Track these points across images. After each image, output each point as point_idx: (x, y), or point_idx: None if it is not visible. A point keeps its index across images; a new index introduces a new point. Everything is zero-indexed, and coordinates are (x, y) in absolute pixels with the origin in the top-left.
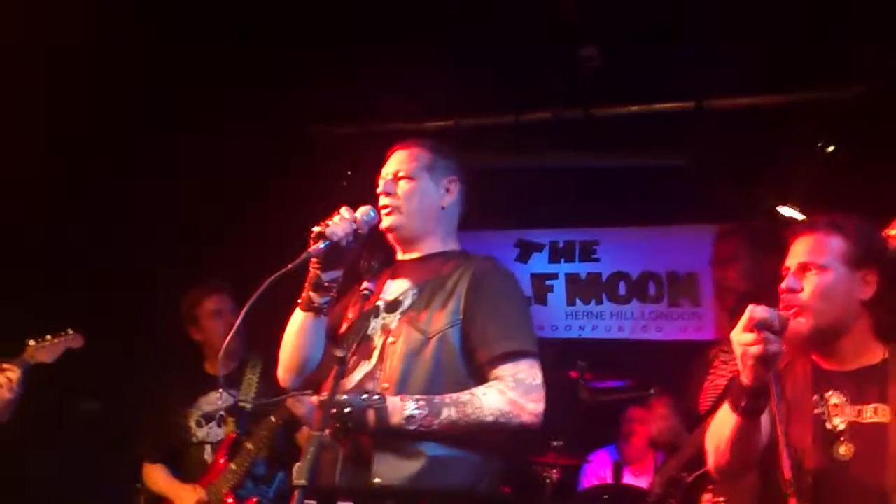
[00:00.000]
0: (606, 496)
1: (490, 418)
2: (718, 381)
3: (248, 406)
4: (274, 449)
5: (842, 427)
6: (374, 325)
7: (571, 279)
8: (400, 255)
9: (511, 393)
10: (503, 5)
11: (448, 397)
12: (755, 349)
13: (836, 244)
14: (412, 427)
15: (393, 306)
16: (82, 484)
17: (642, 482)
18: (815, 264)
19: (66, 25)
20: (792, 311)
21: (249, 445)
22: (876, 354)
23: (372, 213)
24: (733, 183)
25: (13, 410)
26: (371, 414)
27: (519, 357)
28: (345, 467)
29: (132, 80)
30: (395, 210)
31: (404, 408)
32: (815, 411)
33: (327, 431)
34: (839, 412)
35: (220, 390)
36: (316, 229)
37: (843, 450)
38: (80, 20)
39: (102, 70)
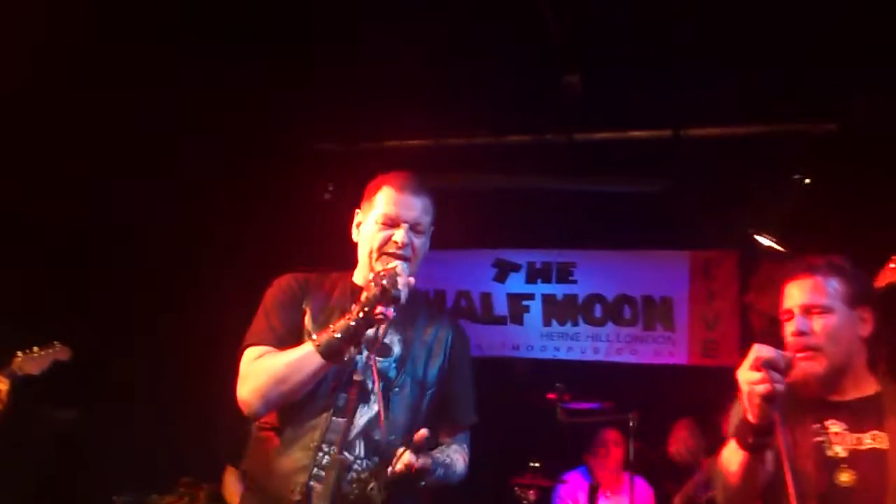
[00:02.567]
0: None
1: (452, 480)
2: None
3: None
4: None
5: (843, 454)
6: (361, 363)
7: (548, 300)
8: (358, 280)
9: (466, 459)
10: (490, 29)
11: (439, 457)
12: (761, 388)
13: (835, 285)
14: (420, 482)
15: (381, 350)
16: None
17: (617, 503)
18: (818, 306)
19: (61, 34)
20: (804, 353)
21: None
22: (871, 386)
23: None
24: (709, 210)
25: (2, 421)
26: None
27: (470, 429)
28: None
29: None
30: (406, 260)
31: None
32: (816, 439)
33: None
34: (840, 440)
35: None
36: (389, 293)
37: (845, 477)
38: (77, 32)
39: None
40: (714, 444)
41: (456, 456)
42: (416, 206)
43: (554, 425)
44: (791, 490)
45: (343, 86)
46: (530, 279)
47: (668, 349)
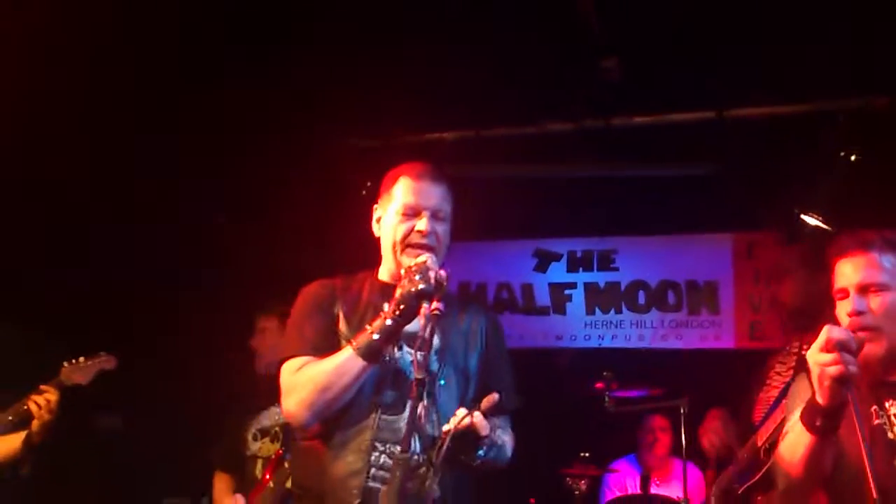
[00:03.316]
0: None
1: (502, 463)
2: (772, 393)
3: None
4: None
5: None
6: (403, 358)
7: (590, 288)
8: (384, 278)
9: (512, 445)
10: (525, 17)
11: (493, 435)
12: (833, 370)
13: (890, 261)
14: (479, 461)
15: (417, 341)
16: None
17: (667, 491)
18: (875, 284)
19: (66, 40)
20: (863, 333)
21: (286, 464)
22: None
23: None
24: (753, 192)
25: (52, 431)
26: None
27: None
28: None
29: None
30: (431, 249)
31: (486, 442)
32: (876, 422)
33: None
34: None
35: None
36: (421, 288)
37: None
38: (88, 34)
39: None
40: (746, 433)
41: (506, 438)
42: (436, 194)
43: (601, 414)
44: (869, 474)
45: (380, 79)
46: (571, 268)
47: (714, 333)
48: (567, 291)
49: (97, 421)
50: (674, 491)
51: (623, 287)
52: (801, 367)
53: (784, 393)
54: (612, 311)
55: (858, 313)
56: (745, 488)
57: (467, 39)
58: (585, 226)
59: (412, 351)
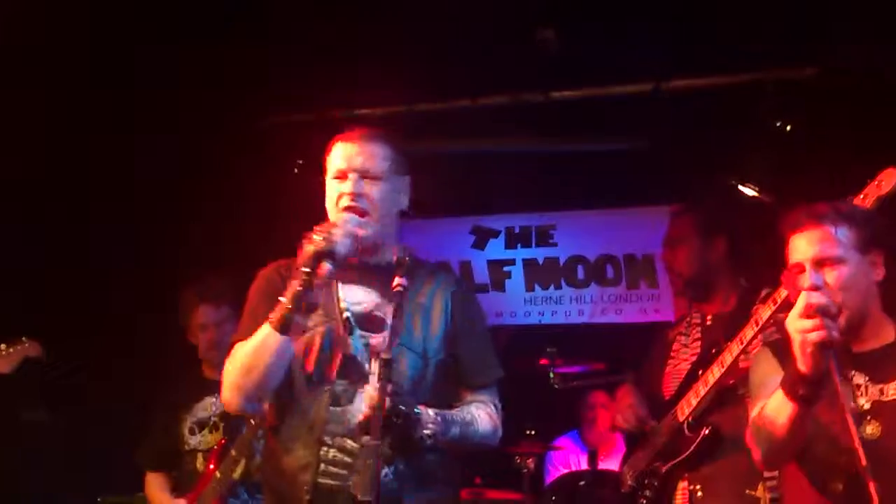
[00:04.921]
0: (583, 482)
1: (477, 439)
2: (681, 366)
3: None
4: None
5: (867, 406)
6: (354, 344)
7: (529, 264)
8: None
9: (496, 418)
10: None
11: (455, 415)
12: (815, 335)
13: (845, 233)
14: (430, 442)
15: (371, 323)
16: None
17: (613, 466)
18: (831, 258)
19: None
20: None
21: (233, 452)
22: (889, 333)
23: (357, 220)
24: (691, 164)
25: None
26: (413, 426)
27: (496, 384)
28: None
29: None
30: (363, 213)
31: (431, 422)
32: (838, 396)
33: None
34: (863, 392)
35: (215, 395)
36: (321, 246)
37: (871, 429)
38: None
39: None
40: (656, 409)
41: (478, 412)
42: (365, 152)
43: (545, 391)
44: (856, 438)
45: (307, 53)
46: (510, 244)
47: (654, 306)
48: (506, 268)
49: (22, 414)
50: (618, 465)
51: (562, 262)
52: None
53: (698, 365)
54: (552, 287)
55: (816, 287)
56: (670, 466)
57: (401, 12)
58: (523, 201)
59: (365, 334)
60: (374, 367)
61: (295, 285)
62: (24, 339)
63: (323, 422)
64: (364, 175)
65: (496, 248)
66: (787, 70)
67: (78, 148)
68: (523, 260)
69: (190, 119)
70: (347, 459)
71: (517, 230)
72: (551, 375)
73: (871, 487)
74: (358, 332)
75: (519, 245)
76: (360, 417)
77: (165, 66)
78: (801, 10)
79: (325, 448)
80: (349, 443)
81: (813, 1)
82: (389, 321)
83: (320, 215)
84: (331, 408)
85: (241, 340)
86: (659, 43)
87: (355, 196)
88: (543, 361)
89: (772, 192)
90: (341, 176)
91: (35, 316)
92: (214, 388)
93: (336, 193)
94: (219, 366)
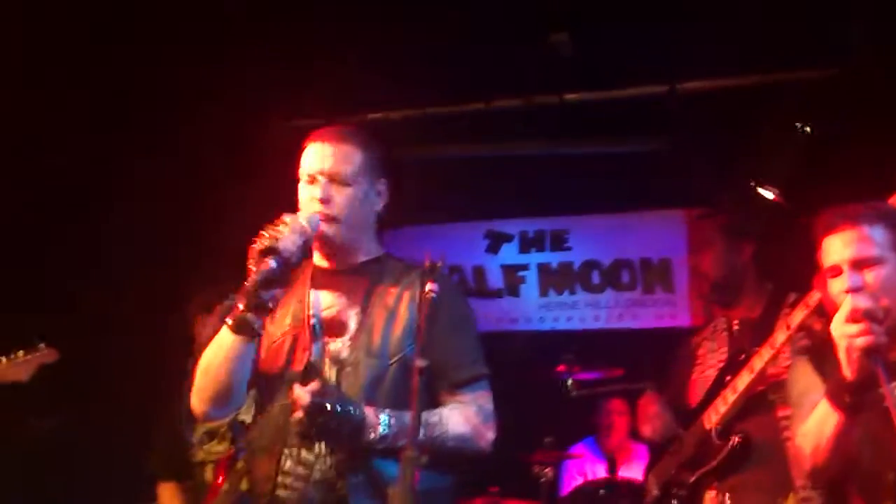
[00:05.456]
0: (602, 492)
1: (451, 443)
2: (708, 373)
3: (248, 420)
4: None
5: None
6: (316, 350)
7: (543, 269)
8: (320, 263)
9: (475, 419)
10: None
11: (423, 416)
12: (862, 340)
13: (881, 233)
14: (381, 445)
15: (335, 328)
16: None
17: (632, 474)
18: (869, 258)
19: None
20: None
21: (240, 464)
22: None
23: (317, 220)
24: (707, 167)
25: None
26: (347, 426)
27: (480, 381)
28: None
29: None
30: (331, 219)
31: (378, 423)
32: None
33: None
34: None
35: None
36: (264, 244)
37: None
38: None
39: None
40: (681, 417)
41: (450, 413)
42: (334, 155)
43: (562, 398)
44: None
45: (323, 57)
46: (524, 249)
47: (670, 311)
48: (520, 273)
49: (30, 423)
50: (637, 474)
51: (576, 267)
52: (801, 350)
53: (725, 372)
54: (567, 292)
55: (856, 289)
56: (699, 475)
57: (415, 14)
58: (537, 205)
59: (328, 339)
60: (331, 372)
61: (248, 286)
62: (41, 345)
63: (284, 431)
64: (333, 179)
65: (510, 253)
66: (808, 71)
67: (76, 150)
68: (538, 265)
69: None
70: (303, 471)
71: (531, 234)
72: (569, 383)
73: None
74: (321, 338)
75: (533, 249)
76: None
77: (166, 70)
78: (821, 10)
79: (282, 458)
80: (304, 454)
81: (833, 2)
82: (353, 325)
83: None
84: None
85: None
86: (674, 44)
87: (323, 202)
88: (561, 368)
89: (791, 195)
90: (311, 180)
91: (36, 318)
92: None
93: (307, 196)
94: None
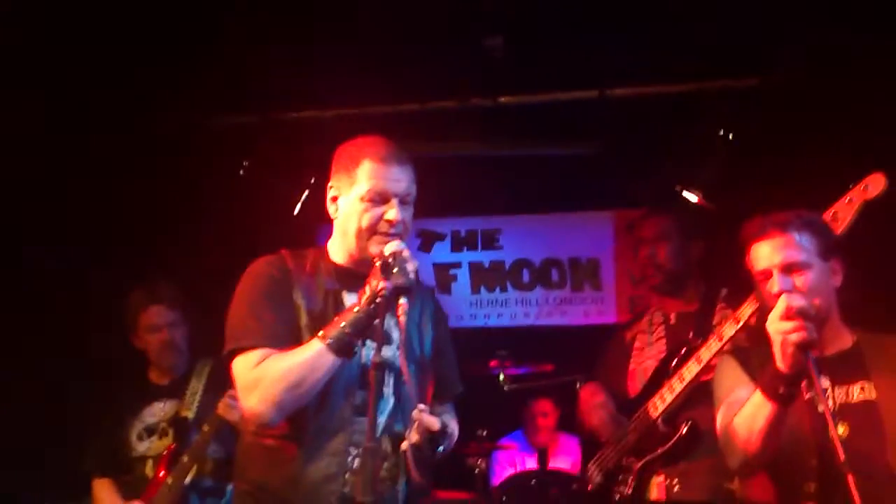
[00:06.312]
0: (533, 482)
1: (447, 452)
2: (647, 363)
3: (191, 416)
4: (214, 460)
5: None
6: (367, 355)
7: (475, 267)
8: (336, 259)
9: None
10: None
11: (450, 428)
12: (796, 336)
13: (808, 240)
14: (436, 449)
15: (377, 333)
16: None
17: (561, 465)
18: (797, 263)
19: None
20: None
21: (185, 458)
22: (846, 338)
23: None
24: (636, 170)
25: None
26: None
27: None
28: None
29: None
30: (403, 238)
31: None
32: (806, 396)
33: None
34: (829, 395)
35: (164, 401)
36: (398, 283)
37: (840, 430)
38: None
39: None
40: (622, 406)
41: (454, 426)
42: (404, 178)
43: (493, 392)
44: (835, 435)
45: (255, 56)
46: (456, 248)
47: (597, 309)
48: (452, 271)
49: None
50: (566, 465)
51: (507, 265)
52: (727, 350)
53: (667, 362)
54: (498, 290)
55: (787, 292)
56: (645, 462)
57: (351, 15)
58: (470, 205)
59: (373, 344)
60: (389, 378)
61: (360, 312)
62: None
63: (349, 433)
64: (403, 200)
65: (442, 252)
66: (730, 80)
67: (26, 147)
68: (469, 263)
69: (137, 117)
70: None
71: (463, 234)
72: (501, 377)
73: (851, 480)
74: (370, 343)
75: (465, 248)
76: (407, 443)
77: (118, 67)
78: (744, 19)
79: (350, 458)
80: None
81: (755, 10)
82: (395, 333)
83: (266, 216)
84: (356, 418)
85: (246, 347)
86: (606, 51)
87: (398, 223)
88: (493, 363)
89: (714, 199)
90: (382, 200)
91: None
92: (164, 393)
93: (373, 216)
94: (170, 369)
